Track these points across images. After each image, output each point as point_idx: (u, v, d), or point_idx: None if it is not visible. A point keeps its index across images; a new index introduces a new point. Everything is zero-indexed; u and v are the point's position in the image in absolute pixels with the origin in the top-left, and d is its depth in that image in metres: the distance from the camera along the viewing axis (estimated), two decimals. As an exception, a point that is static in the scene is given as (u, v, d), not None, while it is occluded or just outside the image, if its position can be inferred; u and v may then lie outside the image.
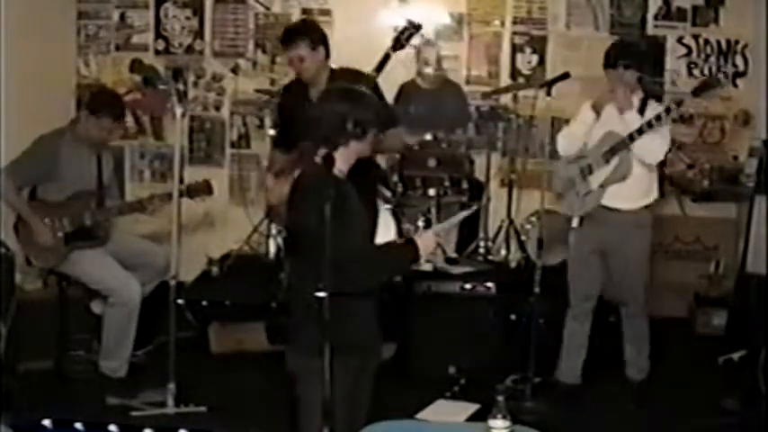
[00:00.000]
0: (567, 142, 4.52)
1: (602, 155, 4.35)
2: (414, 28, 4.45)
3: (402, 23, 4.62)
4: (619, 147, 4.28)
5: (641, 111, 4.32)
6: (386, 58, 4.42)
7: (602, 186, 4.38)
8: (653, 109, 4.32)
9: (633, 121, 4.27)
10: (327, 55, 4.39)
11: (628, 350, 4.61)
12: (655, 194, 4.47)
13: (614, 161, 4.33)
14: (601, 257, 4.49)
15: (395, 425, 2.86)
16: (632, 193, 4.37)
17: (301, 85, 4.44)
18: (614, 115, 4.32)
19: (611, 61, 4.33)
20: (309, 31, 4.42)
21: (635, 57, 4.41)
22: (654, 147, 4.27)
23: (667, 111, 4.22)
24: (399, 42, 4.44)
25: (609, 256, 4.47)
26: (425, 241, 2.99)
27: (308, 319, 2.80)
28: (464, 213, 3.39)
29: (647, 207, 4.44)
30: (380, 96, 4.30)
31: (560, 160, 4.61)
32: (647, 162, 4.33)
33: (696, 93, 4.25)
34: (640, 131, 4.21)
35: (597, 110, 4.38)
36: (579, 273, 4.54)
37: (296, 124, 4.40)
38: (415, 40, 4.96)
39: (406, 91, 5.75)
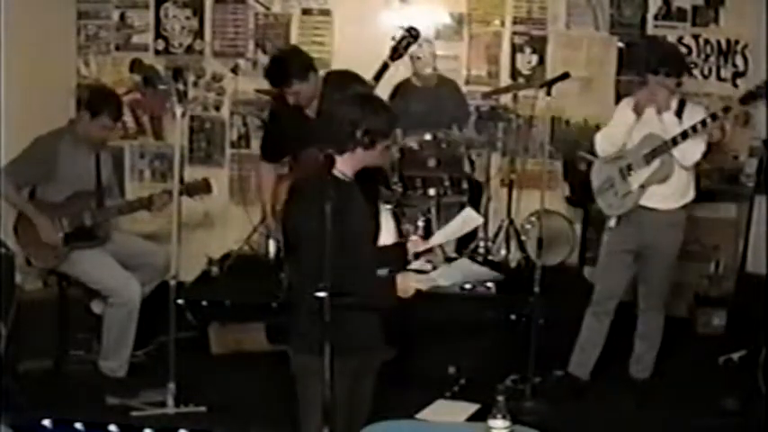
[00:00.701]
0: (607, 143, 4.54)
1: (643, 156, 4.38)
2: (412, 37, 4.44)
3: (402, 25, 4.61)
4: (661, 149, 4.32)
5: (679, 114, 4.35)
6: (384, 67, 4.42)
7: (643, 187, 4.41)
8: (690, 111, 4.36)
9: (672, 123, 4.31)
10: (316, 73, 4.40)
11: (638, 347, 4.63)
12: (692, 195, 4.49)
13: (655, 163, 4.36)
14: (633, 256, 4.52)
15: (395, 425, 2.87)
16: (671, 193, 4.42)
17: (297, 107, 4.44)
18: (654, 117, 4.35)
19: (653, 67, 4.35)
20: (295, 65, 4.36)
21: (678, 65, 4.47)
22: (691, 149, 4.31)
23: (713, 117, 4.24)
24: (398, 51, 4.45)
25: (642, 254, 4.50)
26: (405, 282, 2.92)
27: (307, 320, 2.81)
28: (467, 229, 3.31)
29: (683, 207, 4.48)
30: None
31: (597, 159, 4.63)
32: (684, 164, 4.37)
33: (744, 101, 4.32)
34: (685, 135, 4.24)
35: (638, 111, 4.40)
36: (609, 271, 4.57)
37: (289, 136, 4.43)
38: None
39: (401, 90, 5.74)
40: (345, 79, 4.43)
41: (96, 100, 4.71)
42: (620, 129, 4.47)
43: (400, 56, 4.45)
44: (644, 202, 4.43)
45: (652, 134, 4.35)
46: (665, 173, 4.36)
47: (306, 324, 2.85)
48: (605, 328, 4.59)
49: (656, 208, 4.42)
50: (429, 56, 5.70)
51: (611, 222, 4.51)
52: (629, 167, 4.45)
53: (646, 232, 4.45)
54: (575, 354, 4.63)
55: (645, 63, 4.44)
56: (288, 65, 4.39)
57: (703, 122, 4.22)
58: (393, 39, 4.63)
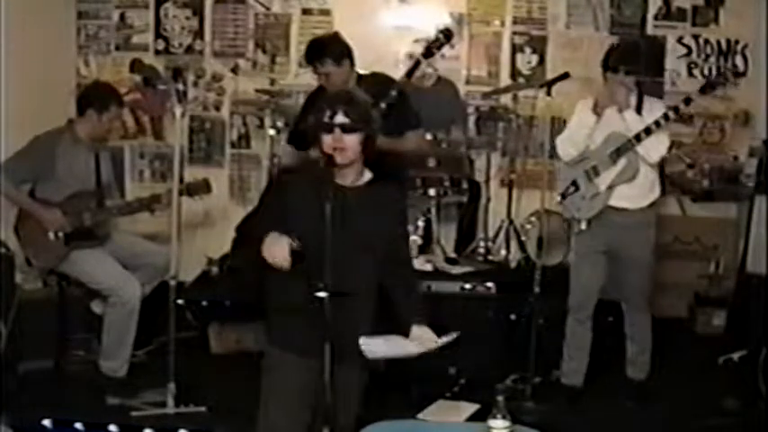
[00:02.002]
0: (569, 146, 4.50)
1: (608, 156, 4.36)
2: (446, 38, 4.50)
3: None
4: (625, 147, 4.30)
5: (638, 110, 4.33)
6: (416, 64, 4.49)
7: (611, 187, 4.40)
8: (650, 107, 4.34)
9: (633, 120, 4.29)
10: (352, 65, 4.51)
11: (630, 349, 4.61)
12: (658, 192, 4.49)
13: (622, 162, 4.35)
14: (607, 258, 4.50)
15: (395, 425, 2.87)
16: (638, 191, 4.40)
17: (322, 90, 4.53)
18: (615, 116, 4.33)
19: (612, 65, 4.33)
20: (333, 47, 4.52)
21: (636, 61, 4.41)
22: (656, 145, 4.30)
23: (675, 110, 4.25)
24: (431, 50, 4.52)
25: (616, 255, 4.48)
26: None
27: (275, 315, 2.95)
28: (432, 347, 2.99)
29: (651, 205, 4.46)
30: (406, 99, 4.42)
31: (561, 164, 4.61)
32: (650, 161, 4.35)
33: (703, 91, 4.28)
34: (648, 131, 4.23)
35: (598, 112, 4.38)
36: (584, 274, 4.54)
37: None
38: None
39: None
40: (378, 79, 4.56)
41: (99, 96, 4.71)
42: (581, 131, 4.43)
43: (432, 54, 4.54)
44: (611, 202, 4.41)
45: (615, 133, 4.32)
46: (632, 171, 4.34)
47: (274, 319, 2.97)
48: (588, 331, 4.57)
49: (624, 207, 4.40)
50: (444, 36, 5.70)
51: (582, 225, 4.46)
52: (595, 169, 4.42)
53: (615, 233, 4.42)
54: (564, 363, 4.62)
55: (603, 61, 4.38)
56: (326, 44, 4.58)
57: (665, 116, 4.22)
58: (424, 41, 4.81)
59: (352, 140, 2.85)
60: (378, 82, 4.48)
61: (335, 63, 4.46)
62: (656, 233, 4.54)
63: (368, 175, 3.00)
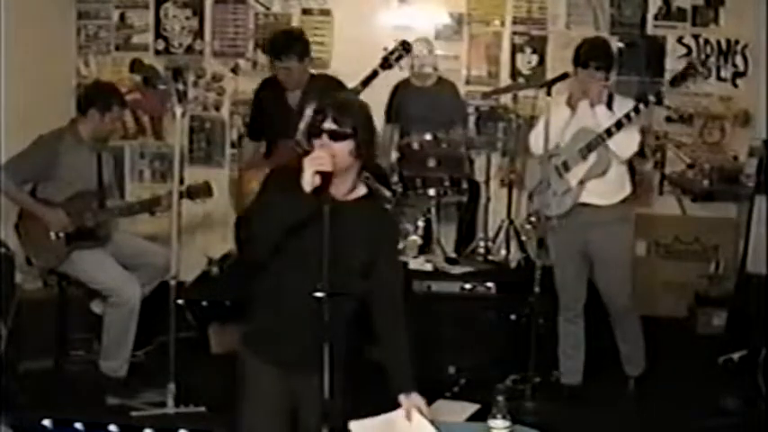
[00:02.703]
0: (542, 140, 4.43)
1: (579, 151, 4.35)
2: (404, 50, 4.56)
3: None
4: (596, 142, 4.29)
5: (609, 106, 4.32)
6: (373, 74, 4.54)
7: (582, 183, 4.38)
8: (620, 103, 4.34)
9: (604, 116, 4.29)
10: (309, 63, 4.67)
11: (622, 348, 4.60)
12: (629, 188, 4.46)
13: (592, 157, 4.33)
14: (584, 255, 4.47)
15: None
16: (608, 188, 4.38)
17: (278, 85, 4.71)
18: (587, 110, 4.33)
19: (582, 61, 4.33)
20: (296, 45, 4.64)
21: (606, 58, 4.41)
22: (627, 140, 4.30)
23: (645, 103, 4.24)
24: (388, 62, 4.64)
25: (592, 254, 4.45)
26: None
27: (262, 317, 2.90)
28: None
29: (624, 201, 4.44)
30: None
31: (530, 161, 4.61)
32: (621, 157, 4.35)
33: (673, 83, 4.26)
34: (619, 126, 4.22)
35: (572, 105, 4.39)
36: (565, 274, 4.53)
37: (269, 118, 4.79)
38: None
39: (401, 90, 5.75)
40: (329, 82, 4.69)
41: (102, 96, 4.71)
42: (556, 124, 4.39)
43: (390, 66, 4.64)
44: (583, 198, 4.40)
45: (585, 128, 4.32)
46: (603, 166, 4.33)
47: (251, 321, 2.95)
48: (581, 330, 4.57)
49: (595, 204, 4.38)
50: (428, 55, 5.71)
51: (553, 223, 4.43)
52: (566, 164, 4.42)
53: (588, 230, 4.41)
54: (561, 363, 4.62)
55: (574, 57, 4.38)
56: (292, 39, 4.72)
57: (636, 110, 4.21)
58: (385, 49, 4.78)
59: (340, 148, 2.66)
60: (328, 84, 4.59)
61: (299, 59, 4.60)
62: (633, 230, 4.52)
63: (362, 190, 2.82)
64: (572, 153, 4.38)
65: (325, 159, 2.61)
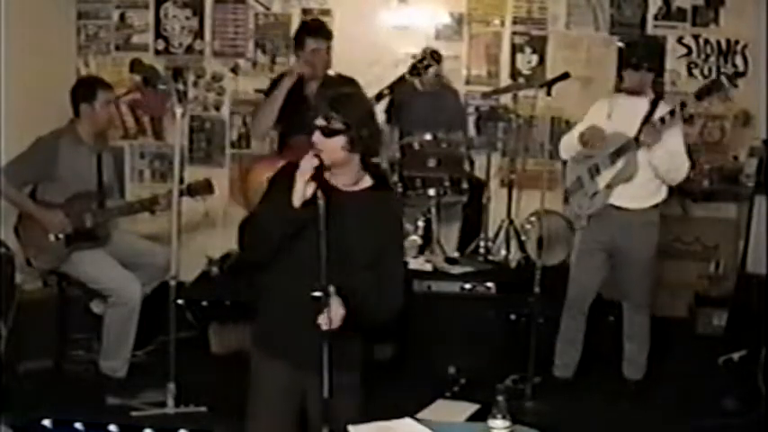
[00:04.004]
0: (566, 142, 4.55)
1: (609, 155, 4.38)
2: (434, 60, 4.55)
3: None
4: (625, 148, 4.31)
5: (651, 113, 4.33)
6: (401, 79, 4.55)
7: (609, 187, 4.41)
8: (662, 110, 4.34)
9: (643, 106, 4.31)
10: (330, 50, 4.78)
11: (627, 348, 4.62)
12: (663, 194, 4.50)
13: (620, 162, 4.36)
14: (606, 255, 4.52)
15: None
16: (641, 193, 4.42)
17: (298, 81, 4.73)
18: (624, 117, 4.34)
19: (634, 62, 4.36)
20: (324, 28, 4.89)
21: (655, 59, 4.52)
22: (677, 166, 4.34)
23: (671, 113, 4.26)
24: (417, 70, 4.64)
25: (615, 253, 4.50)
26: None
27: (261, 316, 2.98)
28: None
29: (655, 206, 4.47)
30: (378, 101, 4.46)
31: (569, 160, 4.63)
32: (669, 181, 4.41)
33: (699, 96, 4.26)
34: (651, 133, 4.23)
35: (609, 112, 4.40)
36: (582, 270, 4.57)
37: (287, 111, 4.78)
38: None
39: (402, 90, 5.71)
40: (344, 81, 4.69)
41: (83, 87, 4.73)
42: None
43: (419, 74, 4.61)
44: (614, 201, 4.43)
45: (618, 133, 4.35)
46: (630, 172, 4.35)
47: (260, 320, 3.00)
48: (582, 326, 4.60)
49: (626, 207, 4.42)
50: (431, 57, 5.69)
51: (583, 221, 4.51)
52: (597, 167, 4.45)
53: (616, 232, 4.45)
54: (556, 356, 4.64)
55: (626, 59, 4.44)
56: (319, 23, 5.05)
57: (662, 120, 4.22)
58: (413, 57, 4.91)
59: (332, 144, 2.72)
60: (343, 83, 4.61)
61: (327, 41, 4.80)
62: (658, 234, 4.53)
63: (368, 181, 2.86)
64: (603, 157, 4.41)
65: (309, 170, 2.67)
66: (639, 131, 4.26)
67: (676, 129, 4.33)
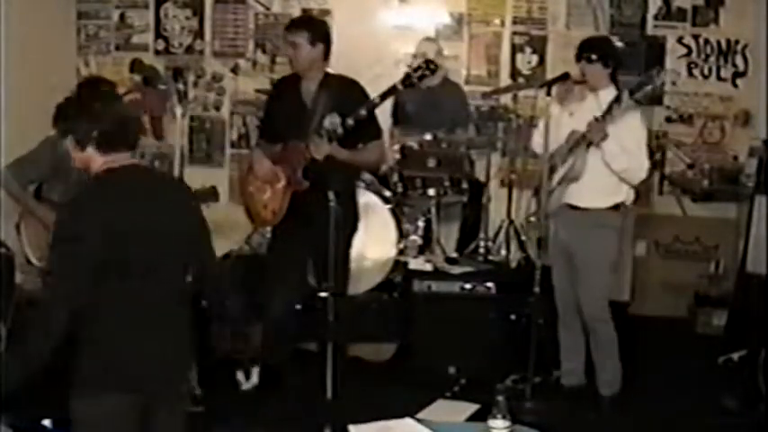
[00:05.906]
0: (536, 138, 4.47)
1: (564, 154, 4.32)
2: (428, 69, 4.39)
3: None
4: (576, 145, 4.22)
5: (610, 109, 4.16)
6: (393, 89, 4.37)
7: (560, 184, 4.33)
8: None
9: (607, 95, 4.18)
10: (326, 54, 4.38)
11: (596, 361, 4.43)
12: (624, 196, 4.31)
13: (569, 160, 4.28)
14: (567, 258, 4.39)
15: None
16: (596, 192, 4.26)
17: (293, 81, 4.45)
18: (584, 113, 4.23)
19: (585, 55, 4.24)
20: (312, 26, 4.44)
21: (610, 54, 4.30)
22: (633, 165, 4.18)
23: (616, 100, 4.07)
24: (410, 79, 4.36)
25: (572, 257, 4.37)
26: None
27: (88, 355, 2.70)
28: None
29: (614, 208, 4.30)
30: (373, 114, 4.30)
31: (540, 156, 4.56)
32: (628, 181, 4.24)
33: (632, 92, 4.01)
34: (596, 128, 4.09)
35: (572, 110, 4.33)
36: (555, 273, 4.50)
37: (284, 117, 4.46)
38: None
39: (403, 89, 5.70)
40: (343, 82, 4.44)
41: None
42: (554, 125, 4.32)
43: (412, 84, 4.41)
44: (568, 200, 4.31)
45: (575, 131, 4.24)
46: (577, 171, 4.21)
47: (87, 361, 2.72)
48: (579, 332, 4.48)
49: (581, 206, 4.29)
50: (433, 55, 5.69)
51: (542, 222, 4.34)
52: (554, 165, 4.36)
53: (572, 232, 4.33)
54: (562, 363, 4.57)
55: (578, 52, 4.31)
56: (306, 18, 4.79)
57: (617, 99, 4.06)
58: (408, 66, 4.71)
59: None
60: (342, 84, 4.37)
61: (309, 39, 4.30)
62: (617, 239, 4.35)
63: None
64: (561, 154, 4.34)
65: None
66: (588, 128, 4.15)
67: (633, 126, 4.17)
